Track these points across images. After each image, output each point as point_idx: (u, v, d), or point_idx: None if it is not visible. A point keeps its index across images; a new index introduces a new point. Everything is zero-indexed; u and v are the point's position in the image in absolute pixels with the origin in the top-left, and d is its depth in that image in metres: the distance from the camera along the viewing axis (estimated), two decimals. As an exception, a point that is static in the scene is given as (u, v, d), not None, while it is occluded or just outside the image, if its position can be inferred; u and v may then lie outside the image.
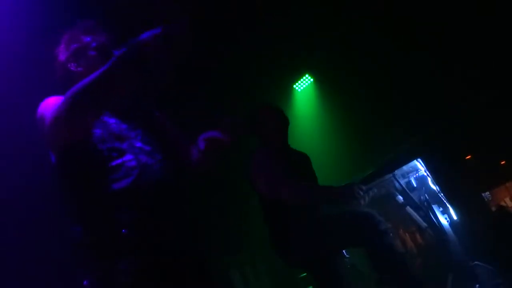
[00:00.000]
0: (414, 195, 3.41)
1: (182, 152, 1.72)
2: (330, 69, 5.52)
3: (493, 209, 4.66)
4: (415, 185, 3.50)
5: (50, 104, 1.43)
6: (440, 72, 4.61)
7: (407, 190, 3.42)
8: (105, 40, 1.62)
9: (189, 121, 2.46)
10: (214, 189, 4.88)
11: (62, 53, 1.62)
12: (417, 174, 3.52)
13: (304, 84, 6.08)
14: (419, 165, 3.53)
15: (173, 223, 1.45)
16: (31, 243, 3.12)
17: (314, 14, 4.58)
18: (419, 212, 3.41)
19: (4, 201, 2.98)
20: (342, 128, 5.69)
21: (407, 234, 3.64)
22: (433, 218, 3.27)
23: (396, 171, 3.40)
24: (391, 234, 2.23)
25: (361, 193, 2.24)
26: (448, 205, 3.37)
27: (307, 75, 5.95)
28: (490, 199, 4.88)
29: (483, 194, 4.77)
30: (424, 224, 3.42)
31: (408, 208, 3.46)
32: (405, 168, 3.50)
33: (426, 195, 3.37)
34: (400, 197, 3.48)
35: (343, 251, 2.91)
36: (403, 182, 3.47)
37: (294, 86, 6.10)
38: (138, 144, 1.50)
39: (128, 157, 1.43)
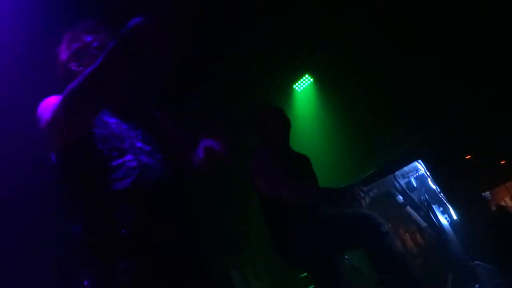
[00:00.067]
0: (414, 195, 3.40)
1: (182, 152, 1.71)
2: (330, 69, 5.52)
3: (493, 209, 4.67)
4: (415, 185, 3.49)
5: (50, 103, 1.42)
6: (440, 72, 4.61)
7: (407, 190, 3.42)
8: (106, 39, 1.61)
9: (189, 121, 2.45)
10: (214, 189, 4.87)
11: (63, 53, 1.62)
12: (417, 174, 3.52)
13: (304, 84, 6.08)
14: (419, 165, 3.53)
15: (173, 223, 1.45)
16: (31, 243, 3.12)
17: (314, 14, 4.58)
18: (419, 212, 3.40)
19: (4, 201, 2.97)
20: (342, 128, 5.68)
21: (407, 234, 3.64)
22: (433, 218, 3.26)
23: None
24: (391, 235, 2.23)
25: (362, 194, 2.24)
26: (448, 205, 3.37)
27: (307, 75, 5.96)
28: (490, 199, 4.89)
29: (483, 194, 4.78)
30: (424, 224, 3.42)
31: (408, 208, 3.45)
32: (405, 168, 3.50)
33: (426, 195, 3.36)
34: (400, 197, 3.47)
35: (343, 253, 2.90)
36: (403, 182, 3.46)
37: (294, 86, 6.10)
38: (139, 144, 1.50)
39: (128, 157, 1.43)
